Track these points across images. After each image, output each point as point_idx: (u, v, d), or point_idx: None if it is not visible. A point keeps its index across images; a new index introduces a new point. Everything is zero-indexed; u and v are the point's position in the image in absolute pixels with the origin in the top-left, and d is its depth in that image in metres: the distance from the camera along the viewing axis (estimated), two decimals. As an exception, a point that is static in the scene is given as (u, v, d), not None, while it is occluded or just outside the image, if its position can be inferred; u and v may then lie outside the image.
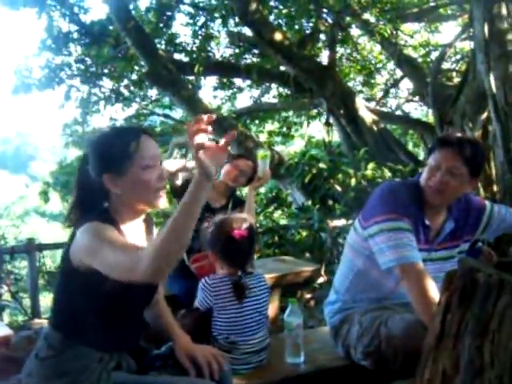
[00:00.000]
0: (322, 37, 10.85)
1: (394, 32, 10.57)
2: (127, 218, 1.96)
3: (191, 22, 10.58)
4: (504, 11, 6.51)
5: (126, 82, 10.74)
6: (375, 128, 8.63)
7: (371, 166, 6.67)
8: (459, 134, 2.48)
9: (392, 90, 13.52)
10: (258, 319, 2.55)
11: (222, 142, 1.65)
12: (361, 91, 12.95)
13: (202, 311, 2.54)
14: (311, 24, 10.40)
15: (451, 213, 2.53)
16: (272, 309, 4.08)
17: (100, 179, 1.89)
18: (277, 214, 10.05)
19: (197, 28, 10.58)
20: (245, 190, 4.77)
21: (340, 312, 2.63)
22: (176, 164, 3.74)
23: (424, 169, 2.50)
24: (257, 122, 13.00)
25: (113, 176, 1.87)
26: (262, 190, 12.68)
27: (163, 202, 1.97)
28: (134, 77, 10.71)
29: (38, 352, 1.95)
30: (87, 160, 1.95)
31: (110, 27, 9.30)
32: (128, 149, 1.87)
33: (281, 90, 12.04)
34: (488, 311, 1.61)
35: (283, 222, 9.11)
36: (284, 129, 13.60)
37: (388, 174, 6.72)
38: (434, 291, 2.16)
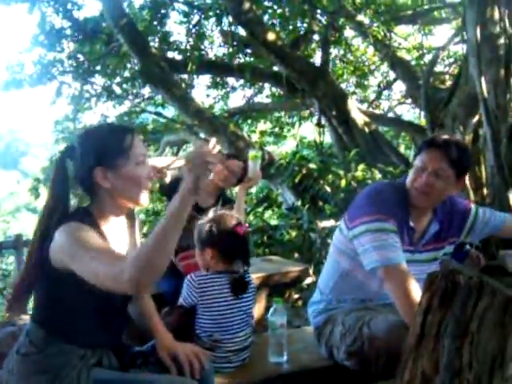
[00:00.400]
0: (316, 37, 10.87)
1: (388, 34, 10.62)
2: (110, 215, 1.95)
3: (185, 20, 10.57)
4: (496, 15, 6.53)
5: (118, 79, 10.72)
6: (367, 130, 8.65)
7: (361, 167, 6.69)
8: (446, 136, 2.47)
9: (385, 92, 13.57)
10: (242, 318, 2.54)
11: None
12: (354, 93, 12.99)
13: (185, 308, 2.53)
14: (305, 25, 10.41)
15: (436, 215, 2.53)
16: (258, 309, 4.08)
17: (88, 173, 1.87)
18: (267, 215, 10.06)
19: (191, 26, 10.57)
20: (235, 190, 4.76)
21: (324, 312, 2.62)
22: (165, 161, 3.75)
23: (410, 170, 2.51)
24: (249, 121, 13.00)
25: (105, 170, 1.87)
26: (253, 189, 12.72)
27: (147, 200, 1.98)
28: (127, 74, 10.69)
29: (19, 348, 1.94)
30: (69, 153, 1.94)
31: (103, 24, 9.26)
32: (124, 144, 1.89)
33: (274, 90, 12.06)
34: (468, 313, 1.62)
35: (273, 222, 9.11)
36: (276, 129, 13.61)
37: (378, 175, 6.75)
38: (417, 293, 2.15)
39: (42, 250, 1.82)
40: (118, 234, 1.99)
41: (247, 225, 2.71)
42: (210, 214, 2.66)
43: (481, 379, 1.58)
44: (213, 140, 1.87)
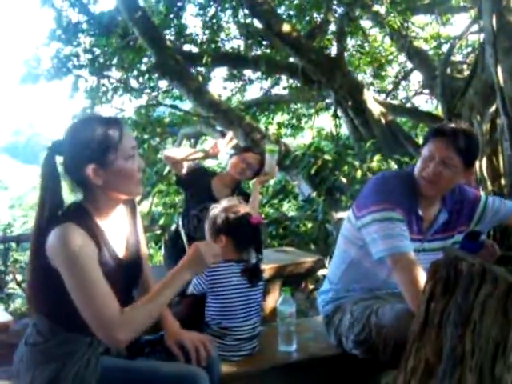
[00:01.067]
0: (332, 28, 10.81)
1: (405, 24, 10.52)
2: (106, 208, 1.96)
3: (201, 12, 10.56)
4: (513, 4, 6.46)
5: (134, 72, 10.73)
6: (383, 120, 8.60)
7: (377, 158, 6.66)
8: (453, 125, 2.46)
9: (402, 83, 13.46)
10: (252, 306, 2.55)
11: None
12: (371, 83, 12.91)
13: (195, 297, 2.55)
14: (321, 15, 10.36)
15: (445, 204, 2.52)
16: (272, 299, 4.10)
17: (79, 171, 1.87)
18: (285, 207, 10.07)
19: (207, 19, 10.56)
20: (250, 183, 4.76)
21: (333, 301, 2.63)
22: (182, 152, 3.76)
23: (418, 159, 2.50)
24: (266, 113, 12.97)
25: (96, 167, 1.85)
26: (271, 181, 12.72)
27: (140, 191, 2.02)
28: (143, 68, 10.71)
29: (27, 339, 1.98)
30: (57, 149, 1.91)
31: (119, 18, 9.29)
32: (112, 139, 1.87)
33: (290, 81, 12.02)
34: (470, 300, 1.62)
35: (290, 214, 9.11)
36: (293, 121, 13.57)
37: (394, 166, 6.71)
38: (424, 282, 2.15)
39: (39, 246, 1.83)
40: (116, 225, 2.01)
41: (261, 216, 2.72)
42: (223, 202, 2.65)
43: (483, 366, 1.58)
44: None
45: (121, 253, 2.00)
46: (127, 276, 2.03)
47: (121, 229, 2.04)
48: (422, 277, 2.20)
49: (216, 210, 2.62)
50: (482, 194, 2.66)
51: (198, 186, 3.80)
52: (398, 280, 2.30)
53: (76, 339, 1.89)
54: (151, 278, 2.29)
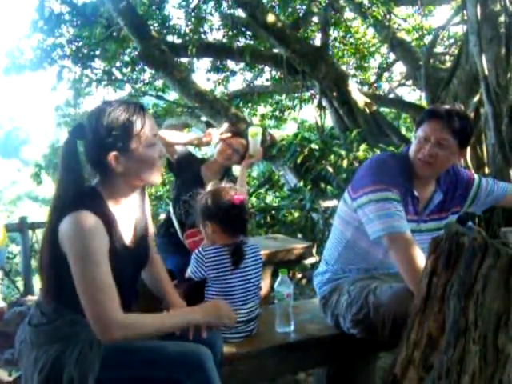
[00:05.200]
0: (316, 19, 10.83)
1: (388, 15, 10.57)
2: (121, 194, 1.97)
3: (184, 3, 10.51)
4: (497, -7, 6.53)
5: (118, 63, 10.68)
6: (368, 110, 8.65)
7: (363, 147, 6.69)
8: (447, 106, 2.49)
9: (385, 74, 13.53)
10: (250, 289, 2.56)
11: None
12: (354, 75, 12.96)
13: (194, 282, 2.55)
14: (304, 6, 10.37)
15: (440, 184, 2.56)
16: (264, 286, 4.11)
17: (100, 157, 1.87)
18: (270, 198, 10.09)
19: (190, 10, 10.52)
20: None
21: (329, 282, 2.66)
22: (176, 136, 3.75)
23: (412, 141, 2.53)
24: (249, 105, 12.98)
25: (118, 154, 1.86)
26: (255, 173, 12.75)
27: (159, 179, 2.03)
28: (127, 58, 10.66)
29: (30, 319, 1.98)
30: (78, 133, 1.90)
31: (102, 8, 9.22)
32: (135, 126, 1.87)
33: (274, 73, 12.03)
34: (473, 274, 1.65)
35: (276, 204, 9.14)
36: (277, 112, 13.59)
37: (380, 155, 6.73)
38: (421, 260, 2.17)
39: (54, 229, 1.82)
40: (127, 210, 2.01)
41: (245, 196, 2.71)
42: (208, 188, 2.65)
43: (486, 338, 1.62)
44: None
45: (130, 238, 2.01)
46: (135, 259, 2.05)
47: (131, 215, 2.05)
48: (419, 255, 2.23)
49: (200, 198, 2.62)
50: (476, 175, 2.69)
51: (188, 172, 3.81)
52: (395, 259, 2.33)
53: (80, 321, 1.88)
54: (156, 255, 2.36)
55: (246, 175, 3.88)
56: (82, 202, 1.82)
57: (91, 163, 1.93)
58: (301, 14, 10.52)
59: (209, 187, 2.65)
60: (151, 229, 2.23)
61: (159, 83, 11.98)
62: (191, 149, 4.29)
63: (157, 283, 2.32)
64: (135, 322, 1.84)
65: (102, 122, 1.86)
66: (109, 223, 1.86)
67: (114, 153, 1.85)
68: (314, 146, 6.86)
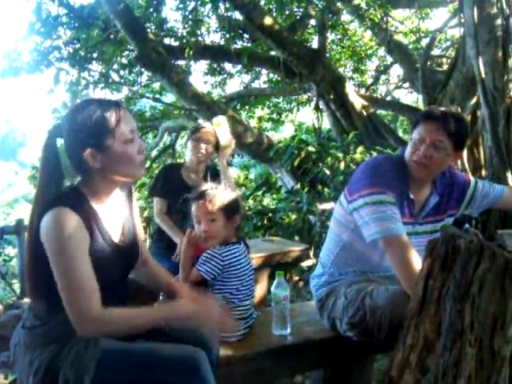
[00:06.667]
0: (313, 22, 10.84)
1: (385, 18, 10.59)
2: (102, 192, 1.97)
3: (181, 6, 10.51)
4: (493, -4, 6.54)
5: (115, 66, 10.67)
6: (365, 113, 8.67)
7: (360, 149, 6.71)
8: (443, 108, 2.49)
9: (382, 77, 13.56)
10: (251, 286, 2.62)
11: None
12: (351, 78, 12.98)
13: (195, 282, 2.56)
14: (301, 9, 10.38)
15: (436, 187, 2.56)
16: (260, 288, 4.12)
17: (78, 155, 1.87)
18: (267, 200, 10.09)
19: (187, 13, 10.52)
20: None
21: (326, 285, 2.65)
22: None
23: (408, 143, 2.53)
24: (247, 107, 12.99)
25: (94, 151, 1.85)
26: (252, 175, 12.75)
27: (141, 173, 2.01)
28: (124, 61, 10.65)
29: (24, 322, 1.97)
30: (57, 133, 1.91)
31: (99, 11, 9.21)
32: (110, 123, 1.86)
33: (271, 75, 12.04)
34: (469, 276, 1.65)
35: (273, 207, 9.13)
36: (274, 115, 13.61)
37: (377, 157, 6.74)
38: (417, 263, 2.17)
39: (36, 229, 1.83)
40: (113, 209, 2.01)
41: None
42: (198, 189, 2.65)
43: (482, 340, 1.61)
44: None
45: (117, 237, 2.00)
46: (124, 260, 2.04)
47: (117, 213, 2.04)
48: (415, 258, 2.23)
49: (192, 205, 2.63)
50: (472, 178, 2.69)
51: (171, 184, 3.85)
52: (391, 262, 2.33)
53: None
54: (150, 257, 2.34)
55: (227, 167, 3.94)
56: (61, 200, 1.83)
57: (71, 162, 1.93)
58: (298, 17, 10.52)
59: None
60: (141, 229, 2.23)
61: (156, 86, 11.99)
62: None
63: (155, 278, 2.32)
64: (111, 318, 1.83)
65: (75, 120, 1.87)
66: (89, 220, 1.86)
67: (89, 150, 1.85)
68: (311, 148, 6.88)
